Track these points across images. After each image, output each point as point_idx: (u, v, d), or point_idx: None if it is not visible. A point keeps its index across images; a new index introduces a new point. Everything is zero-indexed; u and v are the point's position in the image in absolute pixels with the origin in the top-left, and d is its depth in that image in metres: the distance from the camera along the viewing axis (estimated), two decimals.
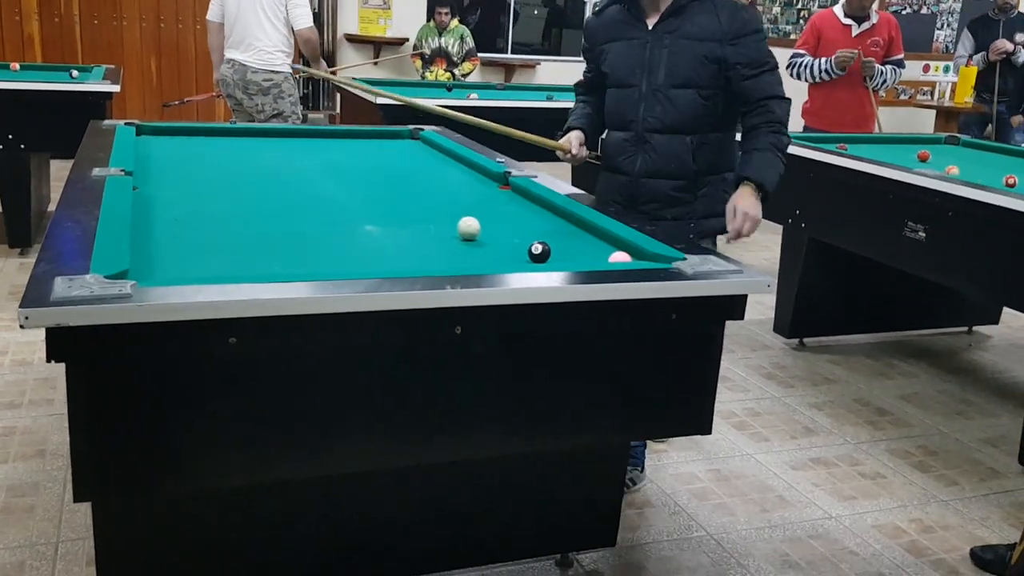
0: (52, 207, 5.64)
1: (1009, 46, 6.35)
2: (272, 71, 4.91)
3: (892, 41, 4.98)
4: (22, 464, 2.81)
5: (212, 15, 5.08)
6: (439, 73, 7.42)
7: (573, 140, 2.68)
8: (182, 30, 8.05)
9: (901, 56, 5.04)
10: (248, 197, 2.55)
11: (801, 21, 9.48)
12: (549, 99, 5.51)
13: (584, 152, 2.70)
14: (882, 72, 4.93)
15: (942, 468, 3.18)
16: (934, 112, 7.99)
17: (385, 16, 8.87)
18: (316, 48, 5.12)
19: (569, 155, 2.69)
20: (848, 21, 4.93)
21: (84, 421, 1.53)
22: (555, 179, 2.77)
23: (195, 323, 1.50)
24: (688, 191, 2.60)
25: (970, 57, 6.73)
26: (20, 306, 1.42)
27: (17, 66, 5.28)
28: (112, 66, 5.67)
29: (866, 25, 4.92)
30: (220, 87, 5.13)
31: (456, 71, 7.46)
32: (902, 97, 9.17)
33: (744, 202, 2.38)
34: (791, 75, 4.96)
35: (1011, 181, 3.34)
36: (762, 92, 2.48)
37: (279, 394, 1.64)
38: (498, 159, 3.05)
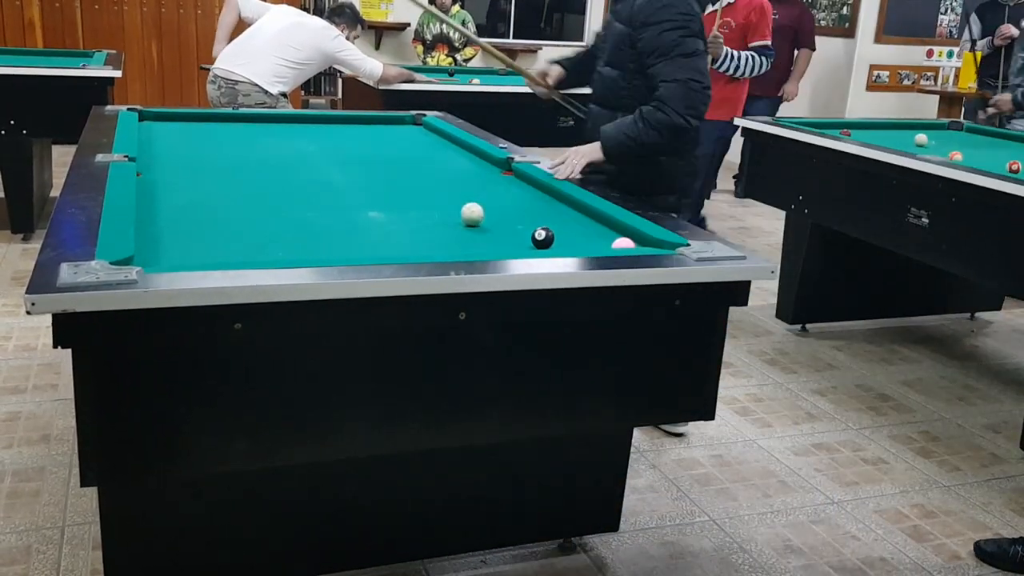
0: (54, 193, 5.64)
1: (1015, 31, 6.31)
2: (265, 91, 4.42)
3: (751, 26, 4.48)
4: (27, 449, 2.82)
5: (245, 7, 4.71)
6: (440, 59, 7.39)
7: (552, 72, 2.93)
8: (183, 15, 8.02)
9: (766, 43, 4.50)
10: (251, 183, 2.55)
11: None
12: None
13: (551, 86, 2.93)
14: (733, 57, 4.39)
15: (944, 454, 3.19)
16: (937, 97, 7.96)
17: (387, 1, 8.83)
18: (397, 78, 4.82)
19: (540, 86, 2.91)
20: None
21: (90, 407, 1.54)
22: None
23: (201, 309, 1.50)
24: (605, 171, 2.59)
25: (975, 42, 6.70)
26: (27, 292, 1.42)
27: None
28: (114, 51, 5.65)
29: (720, 3, 4.44)
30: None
31: (458, 56, 7.43)
32: (905, 83, 9.13)
33: (581, 147, 2.54)
34: None
35: (1015, 167, 3.33)
36: (658, 78, 2.50)
37: (284, 379, 1.64)
38: (501, 145, 3.04)
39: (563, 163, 2.53)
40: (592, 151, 2.53)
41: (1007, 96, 4.80)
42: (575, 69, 2.94)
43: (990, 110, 5.12)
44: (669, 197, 2.67)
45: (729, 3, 4.45)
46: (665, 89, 2.46)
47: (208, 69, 4.65)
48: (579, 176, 2.51)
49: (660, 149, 2.53)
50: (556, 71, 2.94)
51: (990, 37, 6.51)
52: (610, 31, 2.68)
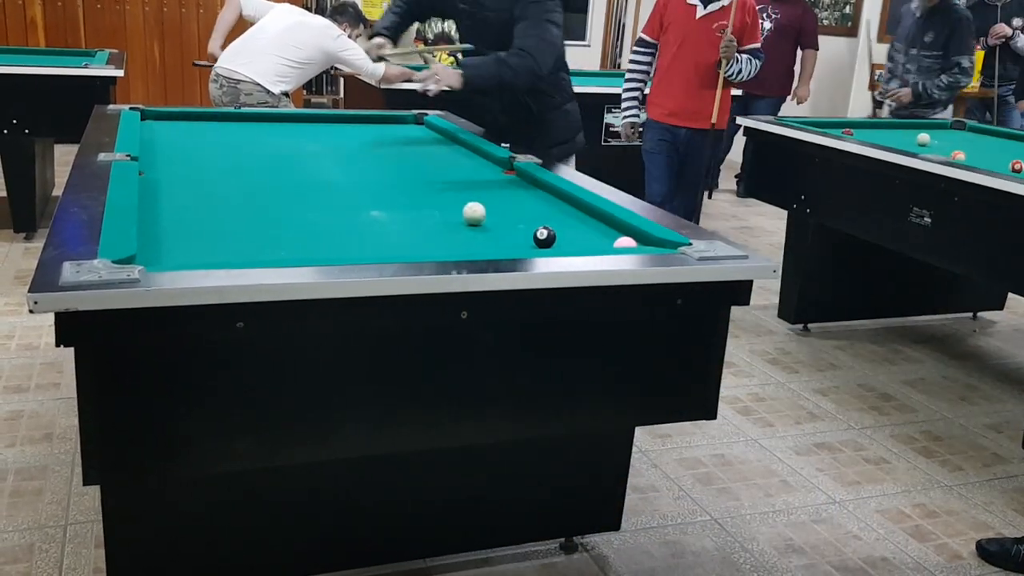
0: (57, 192, 5.65)
1: (1007, 30, 6.34)
2: (267, 90, 4.40)
3: (746, 28, 4.27)
4: (30, 448, 2.82)
5: (247, 5, 4.70)
6: (442, 58, 7.39)
7: (386, 48, 3.38)
8: (185, 14, 8.02)
9: (757, 45, 4.33)
10: (253, 182, 2.55)
11: None
12: None
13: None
14: (738, 60, 4.24)
15: (946, 453, 3.19)
16: None
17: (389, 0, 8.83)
18: (399, 77, 4.77)
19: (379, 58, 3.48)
20: (694, 0, 4.27)
21: (92, 405, 1.54)
22: (559, 164, 2.77)
23: (203, 308, 1.51)
24: (528, 126, 3.22)
25: (977, 43, 6.72)
26: (29, 291, 1.42)
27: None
28: (116, 51, 5.66)
29: (714, 6, 4.22)
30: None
31: (459, 56, 7.43)
32: None
33: (446, 71, 2.91)
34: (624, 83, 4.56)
35: (1017, 166, 3.33)
36: (522, 33, 2.96)
37: (285, 378, 1.64)
38: (502, 144, 3.05)
39: (428, 80, 2.89)
40: (453, 78, 2.89)
41: (907, 90, 4.85)
42: (398, 34, 3.53)
43: (889, 103, 5.09)
44: (579, 136, 3.42)
45: (723, 5, 4.24)
46: (528, 40, 2.94)
47: (200, 65, 4.61)
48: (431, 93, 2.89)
49: (512, 87, 3.03)
50: (389, 46, 3.41)
51: (983, 37, 6.54)
52: (480, 20, 3.16)
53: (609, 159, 5.68)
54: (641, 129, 4.64)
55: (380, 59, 3.59)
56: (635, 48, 4.53)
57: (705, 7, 4.26)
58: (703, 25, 4.27)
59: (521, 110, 3.22)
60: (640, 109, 4.62)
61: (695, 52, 4.29)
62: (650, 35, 4.45)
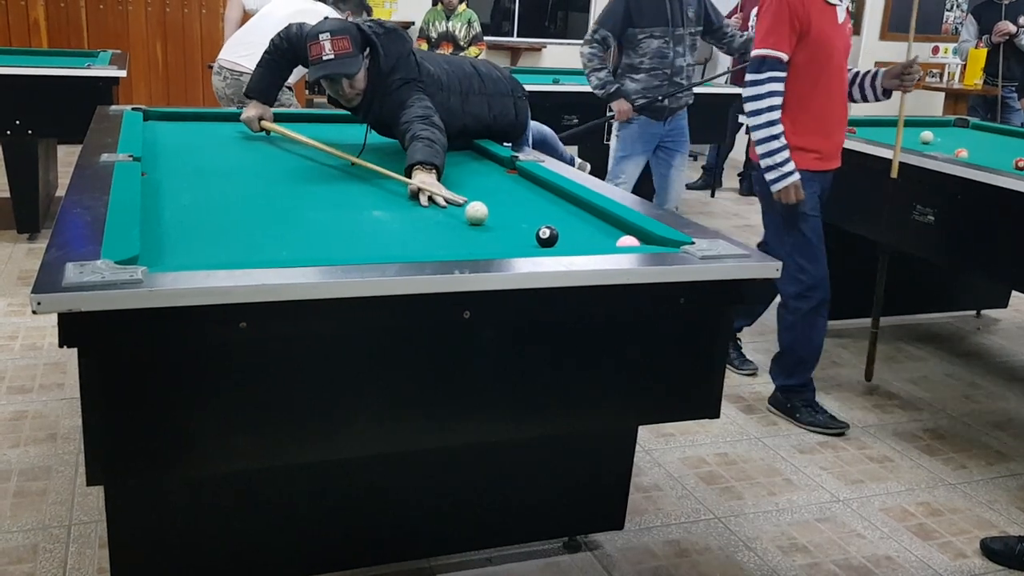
0: (60, 192, 5.66)
1: (1012, 28, 6.36)
2: None
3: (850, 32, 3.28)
4: (34, 448, 2.83)
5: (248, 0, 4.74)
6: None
7: (268, 115, 3.16)
8: (188, 15, 8.03)
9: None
10: (255, 182, 2.55)
11: None
12: (555, 82, 5.50)
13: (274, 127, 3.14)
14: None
15: (950, 451, 3.18)
16: (943, 94, 7.94)
17: None
18: None
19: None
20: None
21: (96, 406, 1.54)
22: (562, 163, 2.77)
23: (205, 308, 1.51)
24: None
25: (980, 40, 6.74)
26: (32, 291, 1.43)
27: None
28: (118, 51, 5.67)
29: (846, 2, 3.16)
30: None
31: (462, 55, 7.43)
32: None
33: (425, 179, 2.39)
34: (751, 119, 3.11)
35: (1021, 164, 3.32)
36: (406, 114, 2.68)
37: (289, 378, 1.64)
38: (504, 143, 3.04)
39: (430, 199, 2.36)
40: (434, 178, 2.44)
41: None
42: (275, 95, 3.24)
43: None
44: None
45: (846, 6, 3.17)
46: (410, 112, 2.67)
47: (212, 67, 4.63)
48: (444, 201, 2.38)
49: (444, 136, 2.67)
50: (268, 111, 3.18)
51: (988, 35, 6.57)
52: (376, 121, 2.89)
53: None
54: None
55: (263, 130, 3.13)
56: (773, 74, 3.03)
57: (842, 4, 3.13)
58: (845, 31, 3.18)
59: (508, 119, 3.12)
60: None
61: (845, 69, 3.22)
62: (787, 51, 3.02)
